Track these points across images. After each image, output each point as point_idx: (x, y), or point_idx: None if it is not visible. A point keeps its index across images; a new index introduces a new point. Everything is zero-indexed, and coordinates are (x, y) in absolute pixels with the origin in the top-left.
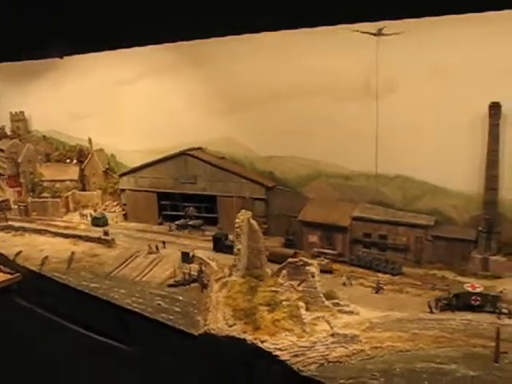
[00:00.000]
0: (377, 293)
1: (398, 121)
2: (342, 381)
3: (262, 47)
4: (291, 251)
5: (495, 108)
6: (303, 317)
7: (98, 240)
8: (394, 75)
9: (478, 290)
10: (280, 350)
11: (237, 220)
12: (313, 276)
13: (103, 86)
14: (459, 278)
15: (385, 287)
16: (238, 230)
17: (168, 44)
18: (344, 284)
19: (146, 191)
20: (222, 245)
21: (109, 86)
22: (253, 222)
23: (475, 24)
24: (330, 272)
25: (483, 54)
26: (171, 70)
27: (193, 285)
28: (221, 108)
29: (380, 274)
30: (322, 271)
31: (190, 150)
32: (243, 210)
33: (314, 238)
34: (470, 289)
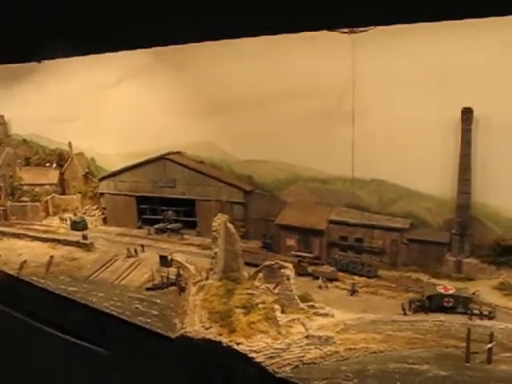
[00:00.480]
0: (352, 295)
1: (374, 125)
2: (316, 382)
3: (240, 51)
4: (294, 260)
5: (467, 113)
6: (278, 319)
7: (77, 244)
8: (370, 81)
9: (450, 292)
10: (255, 351)
11: (213, 223)
12: (288, 279)
13: (84, 89)
14: (433, 281)
15: (360, 290)
16: (215, 233)
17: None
18: (320, 287)
19: (126, 195)
20: None
21: (90, 90)
22: (229, 225)
23: (447, 31)
24: (336, 280)
25: (456, 61)
26: (151, 74)
27: (171, 288)
28: (200, 112)
29: (356, 277)
30: (329, 279)
31: (168, 154)
32: (220, 214)
33: (291, 242)
34: (442, 291)
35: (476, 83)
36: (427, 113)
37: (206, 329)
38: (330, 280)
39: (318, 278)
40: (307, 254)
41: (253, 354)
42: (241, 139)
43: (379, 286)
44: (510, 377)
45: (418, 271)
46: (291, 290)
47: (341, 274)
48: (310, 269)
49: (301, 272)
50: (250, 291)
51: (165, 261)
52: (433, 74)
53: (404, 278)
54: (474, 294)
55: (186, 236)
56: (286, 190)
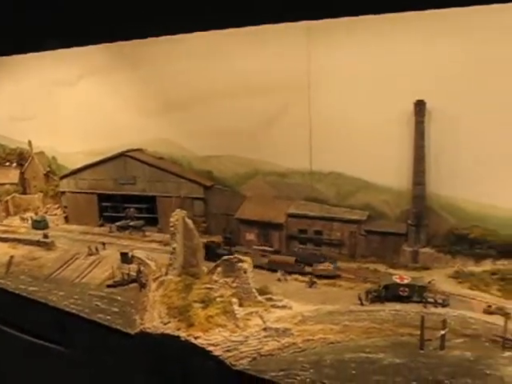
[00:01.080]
0: (310, 287)
1: (330, 119)
2: (273, 373)
3: (196, 48)
4: (292, 258)
5: (420, 105)
6: (236, 312)
7: (38, 243)
8: (326, 75)
9: (405, 282)
10: (213, 345)
11: (171, 219)
12: (245, 272)
13: (42, 87)
14: (390, 271)
15: (319, 282)
16: (173, 229)
17: (106, 45)
18: (279, 279)
19: (86, 193)
20: (214, 253)
21: (48, 88)
22: (188, 220)
23: (401, 24)
24: (339, 276)
25: (409, 53)
26: (109, 71)
27: (132, 285)
28: (159, 109)
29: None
30: (326, 277)
31: (129, 151)
32: (178, 210)
33: (251, 236)
34: (398, 280)
35: (429, 76)
36: (382, 105)
37: (165, 324)
38: (332, 278)
39: (276, 271)
40: (267, 248)
41: (210, 348)
42: (199, 135)
43: (337, 278)
44: (462, 362)
45: (377, 262)
46: (249, 284)
47: None
48: (310, 268)
49: (298, 271)
50: (208, 285)
51: (126, 258)
52: (387, 67)
53: (362, 269)
54: (429, 282)
55: (147, 233)
56: (246, 185)
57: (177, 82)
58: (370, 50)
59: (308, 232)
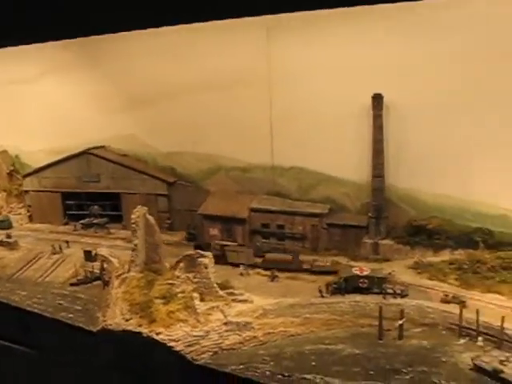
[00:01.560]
0: (272, 281)
1: (291, 113)
2: (233, 367)
3: (158, 44)
4: (288, 256)
5: (377, 99)
6: (197, 307)
7: (0, 243)
8: (286, 69)
9: (365, 273)
10: (174, 340)
11: (133, 216)
12: (206, 267)
13: (3, 85)
14: (352, 263)
15: (281, 275)
16: (134, 225)
17: (68, 42)
18: (241, 274)
19: (50, 191)
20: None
21: (9, 86)
22: (149, 216)
23: (358, 18)
24: (335, 273)
25: (368, 47)
26: (71, 68)
27: (95, 282)
28: (122, 105)
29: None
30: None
31: (92, 148)
32: (139, 206)
33: (214, 231)
34: (358, 272)
35: (388, 70)
36: (342, 100)
37: (127, 320)
38: (329, 273)
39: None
40: (230, 243)
41: (172, 343)
42: (162, 131)
43: (300, 271)
44: (419, 350)
45: (338, 255)
46: (209, 278)
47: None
48: (307, 264)
49: (296, 269)
50: (170, 281)
51: (89, 255)
52: (346, 62)
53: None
54: (390, 274)
55: (112, 230)
56: (209, 180)
57: (140, 78)
58: (328, 45)
59: (271, 226)
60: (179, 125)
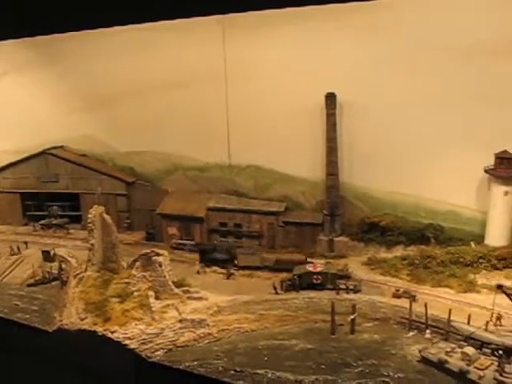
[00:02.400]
0: (228, 278)
1: (247, 113)
2: (187, 363)
3: (116, 44)
4: (302, 257)
5: (330, 98)
6: (152, 305)
7: None
8: (242, 69)
9: (318, 270)
10: (129, 338)
11: (89, 215)
12: (160, 265)
13: None
14: (308, 260)
15: (237, 273)
16: (91, 225)
17: (30, 42)
18: (198, 272)
19: (9, 192)
20: (210, 258)
21: None
22: (105, 216)
23: (313, 21)
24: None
25: (322, 47)
26: (31, 68)
27: (54, 283)
28: (83, 106)
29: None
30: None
31: (50, 148)
32: (96, 206)
33: (173, 230)
34: (311, 269)
35: (342, 70)
36: (297, 99)
37: (82, 320)
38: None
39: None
40: (188, 242)
41: (126, 341)
42: (121, 132)
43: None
44: (370, 344)
45: (295, 252)
46: (164, 277)
47: None
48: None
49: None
50: (127, 280)
51: (48, 256)
52: (301, 61)
53: None
54: (343, 270)
55: (72, 230)
56: (167, 180)
57: (99, 78)
58: (284, 44)
59: (228, 225)
60: (138, 124)
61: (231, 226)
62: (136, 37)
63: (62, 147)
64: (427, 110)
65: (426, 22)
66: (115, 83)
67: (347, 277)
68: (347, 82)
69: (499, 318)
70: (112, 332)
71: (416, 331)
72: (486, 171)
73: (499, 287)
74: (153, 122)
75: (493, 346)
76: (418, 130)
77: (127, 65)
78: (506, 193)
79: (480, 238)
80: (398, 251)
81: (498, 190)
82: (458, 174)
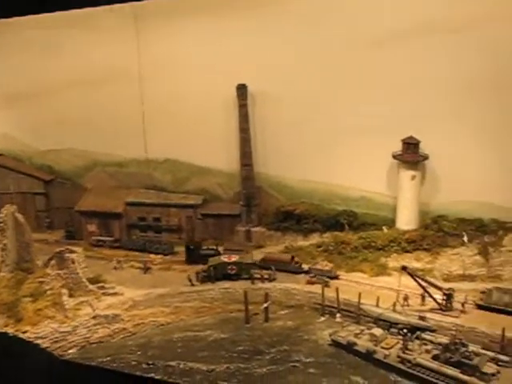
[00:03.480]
0: (145, 273)
1: (162, 107)
2: (100, 359)
3: (26, 42)
4: (288, 256)
5: (241, 89)
6: (65, 303)
7: None
8: (155, 62)
9: (233, 260)
10: (41, 338)
11: (0, 215)
12: (73, 262)
13: None
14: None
15: (154, 267)
16: (3, 224)
17: None
18: (115, 268)
19: None
20: (196, 255)
21: None
22: (18, 215)
23: (227, 13)
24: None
25: (235, 40)
26: None
27: None
28: None
29: (152, 255)
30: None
31: None
32: (8, 205)
33: (92, 227)
34: (226, 259)
35: (254, 61)
36: (209, 91)
37: None
38: (331, 278)
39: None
40: (108, 238)
41: (39, 341)
42: (38, 130)
43: (172, 262)
44: (283, 331)
45: (214, 244)
46: (77, 273)
47: (138, 254)
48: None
49: (295, 271)
50: (41, 279)
51: None
52: (214, 54)
53: None
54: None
55: None
56: (87, 176)
57: (13, 75)
58: (196, 37)
59: (147, 220)
60: (56, 122)
61: (150, 221)
62: (49, 35)
63: None
64: (337, 99)
65: (337, 10)
66: (31, 81)
67: (255, 265)
68: (259, 74)
69: (406, 298)
70: (23, 332)
71: (328, 316)
72: (394, 157)
73: (404, 268)
74: (70, 119)
75: (400, 326)
76: (328, 119)
77: (40, 63)
78: (413, 177)
79: (392, 223)
80: (315, 239)
81: (406, 174)
82: (369, 160)
